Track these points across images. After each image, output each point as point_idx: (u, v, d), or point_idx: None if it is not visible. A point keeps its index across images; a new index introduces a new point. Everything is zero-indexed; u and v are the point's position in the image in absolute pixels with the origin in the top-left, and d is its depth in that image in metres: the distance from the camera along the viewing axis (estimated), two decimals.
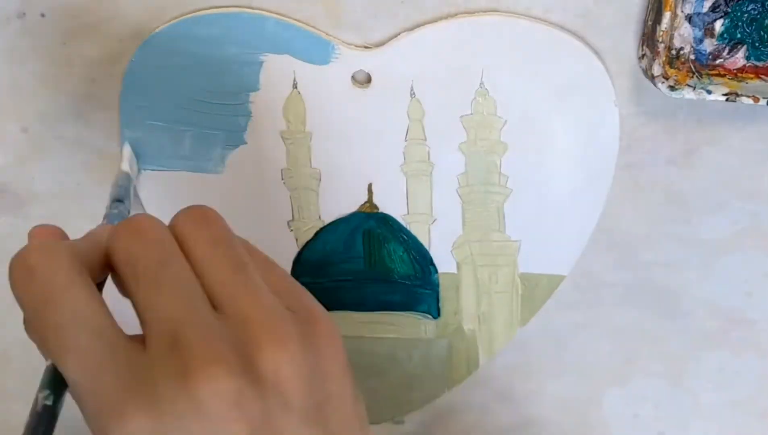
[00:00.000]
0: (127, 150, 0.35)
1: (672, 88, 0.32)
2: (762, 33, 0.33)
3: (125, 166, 0.35)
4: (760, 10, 0.32)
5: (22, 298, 0.23)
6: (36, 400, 0.23)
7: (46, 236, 0.26)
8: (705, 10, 0.33)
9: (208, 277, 0.23)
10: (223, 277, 0.23)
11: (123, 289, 0.24)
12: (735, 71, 0.33)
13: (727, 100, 0.32)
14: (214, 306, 0.23)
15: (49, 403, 0.23)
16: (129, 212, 0.32)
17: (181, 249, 0.24)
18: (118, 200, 0.32)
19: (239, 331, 0.22)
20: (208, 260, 0.24)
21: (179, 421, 0.21)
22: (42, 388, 0.23)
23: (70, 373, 0.22)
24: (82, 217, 0.39)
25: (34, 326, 0.23)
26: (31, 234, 0.26)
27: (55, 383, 0.23)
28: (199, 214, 0.25)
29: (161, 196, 0.37)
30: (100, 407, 0.21)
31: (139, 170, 0.36)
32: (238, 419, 0.21)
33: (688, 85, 0.33)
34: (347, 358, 0.24)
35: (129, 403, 0.21)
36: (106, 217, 0.31)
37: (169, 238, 0.24)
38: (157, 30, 0.34)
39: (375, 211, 0.37)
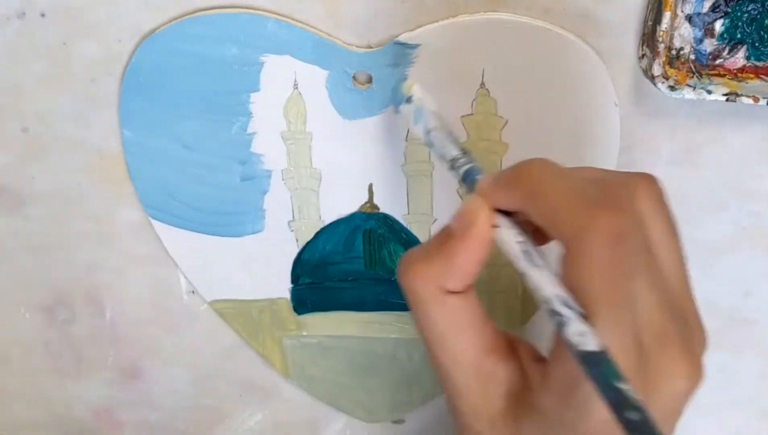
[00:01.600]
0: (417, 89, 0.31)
1: (672, 88, 0.32)
2: (762, 33, 0.33)
3: (430, 104, 0.30)
4: (760, 10, 0.32)
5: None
6: None
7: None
8: (705, 10, 0.33)
9: (661, 264, 0.24)
10: (677, 269, 0.24)
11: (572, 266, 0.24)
12: (735, 71, 0.33)
13: (727, 100, 0.32)
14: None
15: None
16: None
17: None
18: (464, 152, 0.29)
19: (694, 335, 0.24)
20: (664, 248, 0.24)
21: None
22: None
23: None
24: (82, 217, 0.39)
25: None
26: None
27: None
28: (658, 192, 0.25)
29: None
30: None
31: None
32: None
33: (688, 85, 0.33)
34: None
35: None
36: (466, 181, 0.28)
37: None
38: (157, 30, 0.34)
39: (375, 211, 0.37)
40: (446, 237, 0.26)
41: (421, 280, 0.26)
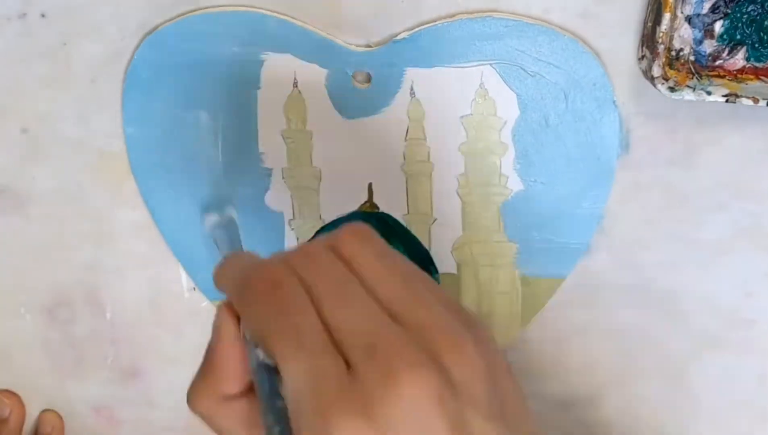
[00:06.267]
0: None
1: (672, 89, 0.32)
2: (762, 34, 0.33)
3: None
4: (760, 11, 0.32)
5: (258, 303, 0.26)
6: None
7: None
8: (705, 11, 0.33)
9: (381, 291, 0.25)
10: (396, 289, 0.25)
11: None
12: (735, 72, 0.33)
13: (726, 101, 0.32)
14: (390, 317, 0.25)
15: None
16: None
17: (349, 268, 0.26)
18: None
19: (421, 338, 0.24)
20: (378, 275, 0.25)
21: (389, 422, 0.22)
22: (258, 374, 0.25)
23: (289, 377, 0.24)
24: (82, 217, 0.39)
25: (258, 328, 0.26)
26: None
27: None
28: (360, 233, 0.26)
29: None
30: (316, 410, 0.23)
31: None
32: (441, 417, 0.22)
33: (688, 87, 0.33)
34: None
35: (344, 407, 0.23)
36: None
37: (337, 260, 0.26)
38: (158, 29, 0.34)
39: (375, 210, 0.37)
40: (206, 353, 0.28)
41: (202, 397, 0.27)
